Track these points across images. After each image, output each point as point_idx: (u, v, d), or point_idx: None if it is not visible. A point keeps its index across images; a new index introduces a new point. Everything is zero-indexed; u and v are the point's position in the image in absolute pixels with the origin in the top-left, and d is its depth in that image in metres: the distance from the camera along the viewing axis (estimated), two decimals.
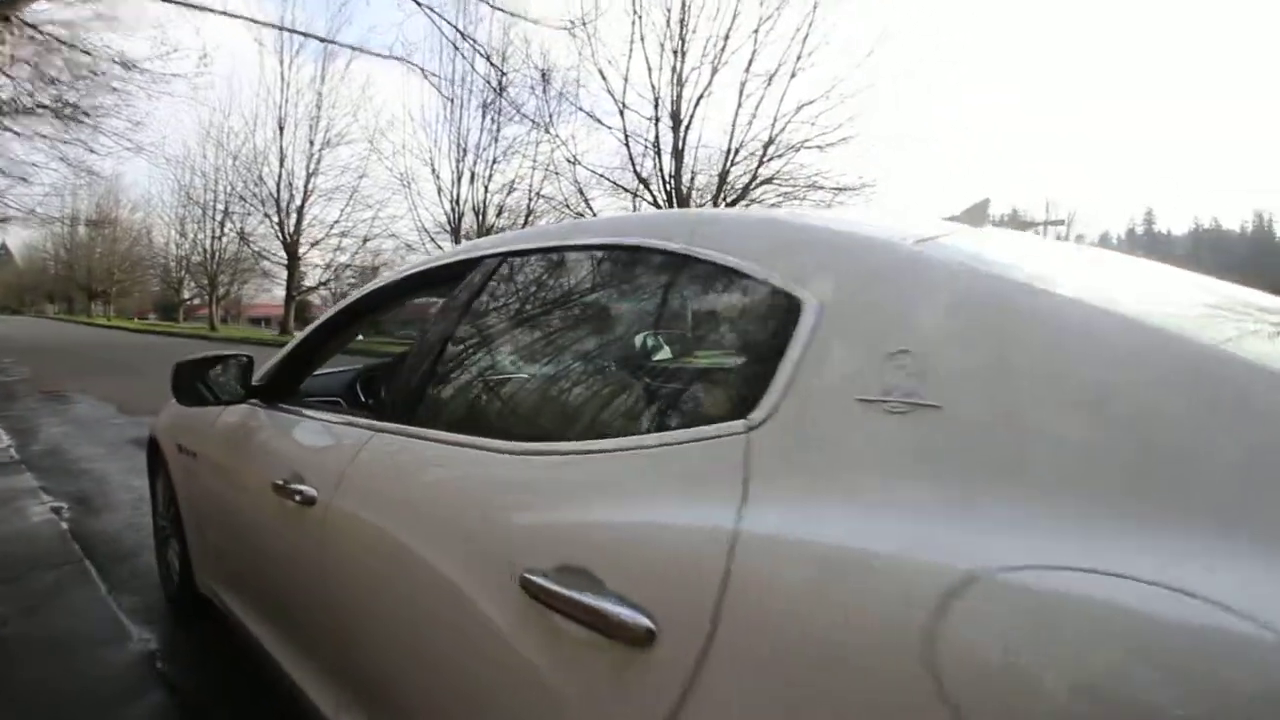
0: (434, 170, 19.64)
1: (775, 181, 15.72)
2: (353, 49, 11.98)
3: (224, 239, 29.32)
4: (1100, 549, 0.46)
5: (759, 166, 15.54)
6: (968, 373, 0.58)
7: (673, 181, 15.83)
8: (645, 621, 0.64)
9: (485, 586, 0.83)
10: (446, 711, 0.94)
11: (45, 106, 12.73)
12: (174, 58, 11.91)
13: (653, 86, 15.69)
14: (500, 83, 13.66)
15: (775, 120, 14.97)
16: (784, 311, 0.73)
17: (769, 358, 0.71)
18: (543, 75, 16.31)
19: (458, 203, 19.44)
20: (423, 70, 8.88)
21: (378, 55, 8.87)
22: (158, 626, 2.15)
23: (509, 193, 19.09)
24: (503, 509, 0.86)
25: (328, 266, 26.38)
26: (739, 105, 15.27)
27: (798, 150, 15.22)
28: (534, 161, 18.22)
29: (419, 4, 7.13)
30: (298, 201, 24.40)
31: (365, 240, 24.68)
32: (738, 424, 0.69)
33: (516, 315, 1.21)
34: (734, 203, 15.42)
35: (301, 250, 25.01)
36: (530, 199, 18.65)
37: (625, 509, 0.72)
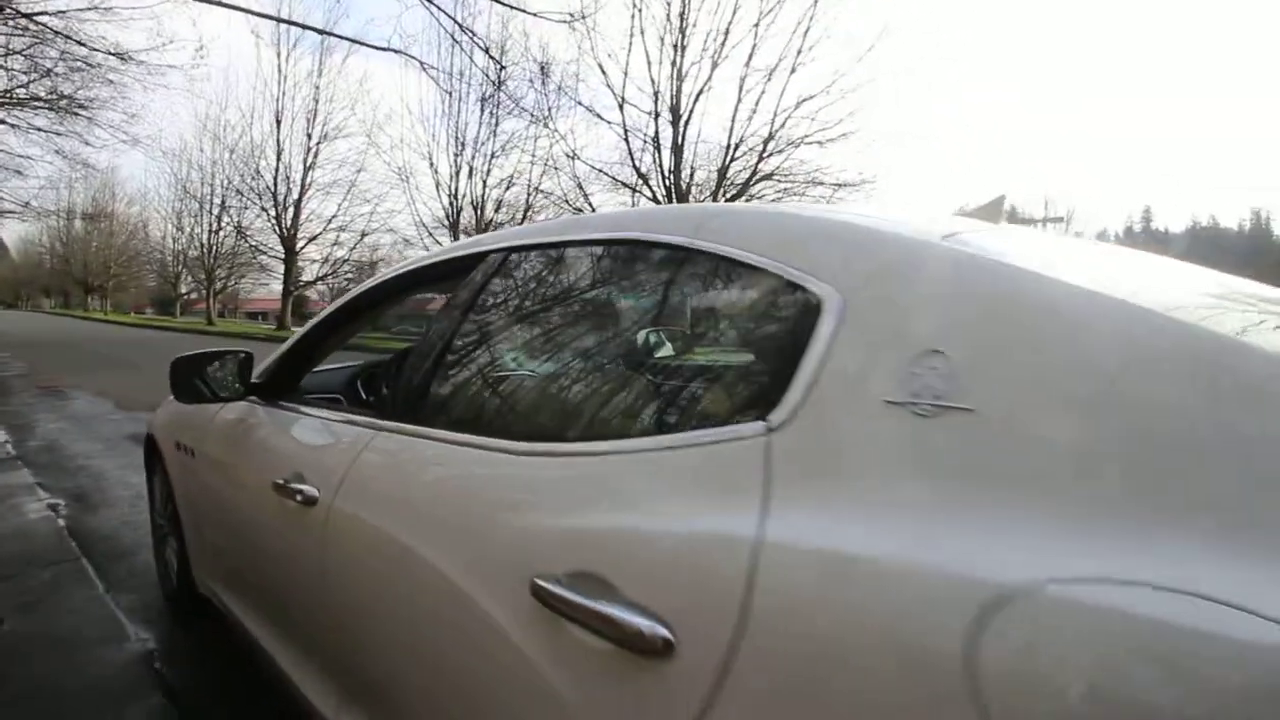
0: (432, 164, 19.56)
1: (775, 177, 15.67)
2: (351, 41, 11.85)
3: (221, 233, 29.15)
4: (1152, 563, 0.44)
5: (759, 162, 15.49)
6: (1002, 375, 0.56)
7: (672, 177, 15.77)
8: (662, 631, 0.62)
9: (493, 591, 0.81)
10: (449, 716, 0.92)
11: (40, 99, 12.66)
12: (170, 49, 11.87)
13: (652, 81, 15.63)
14: (499, 76, 13.58)
15: (775, 115, 14.92)
16: (803, 309, 0.70)
17: (788, 357, 0.69)
18: (542, 69, 16.24)
19: (456, 197, 19.36)
20: (421, 63, 8.80)
21: (376, 48, 8.78)
22: (156, 626, 2.13)
23: (508, 187, 19.03)
24: (511, 511, 0.84)
25: (325, 261, 26.30)
26: (739, 100, 15.23)
27: (798, 146, 15.18)
28: (533, 156, 18.15)
29: None
30: (295, 195, 24.28)
31: (363, 235, 24.60)
32: (757, 426, 0.66)
33: (523, 311, 1.19)
34: (733, 198, 15.37)
35: (299, 245, 24.88)
36: (529, 194, 18.59)
37: (640, 513, 0.70)
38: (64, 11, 10.49)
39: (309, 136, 23.78)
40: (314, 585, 1.21)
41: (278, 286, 27.21)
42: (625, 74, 15.59)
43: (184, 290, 38.59)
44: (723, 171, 15.63)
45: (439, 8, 7.38)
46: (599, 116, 16.33)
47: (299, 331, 1.72)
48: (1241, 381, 0.49)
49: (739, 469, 0.65)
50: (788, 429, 0.64)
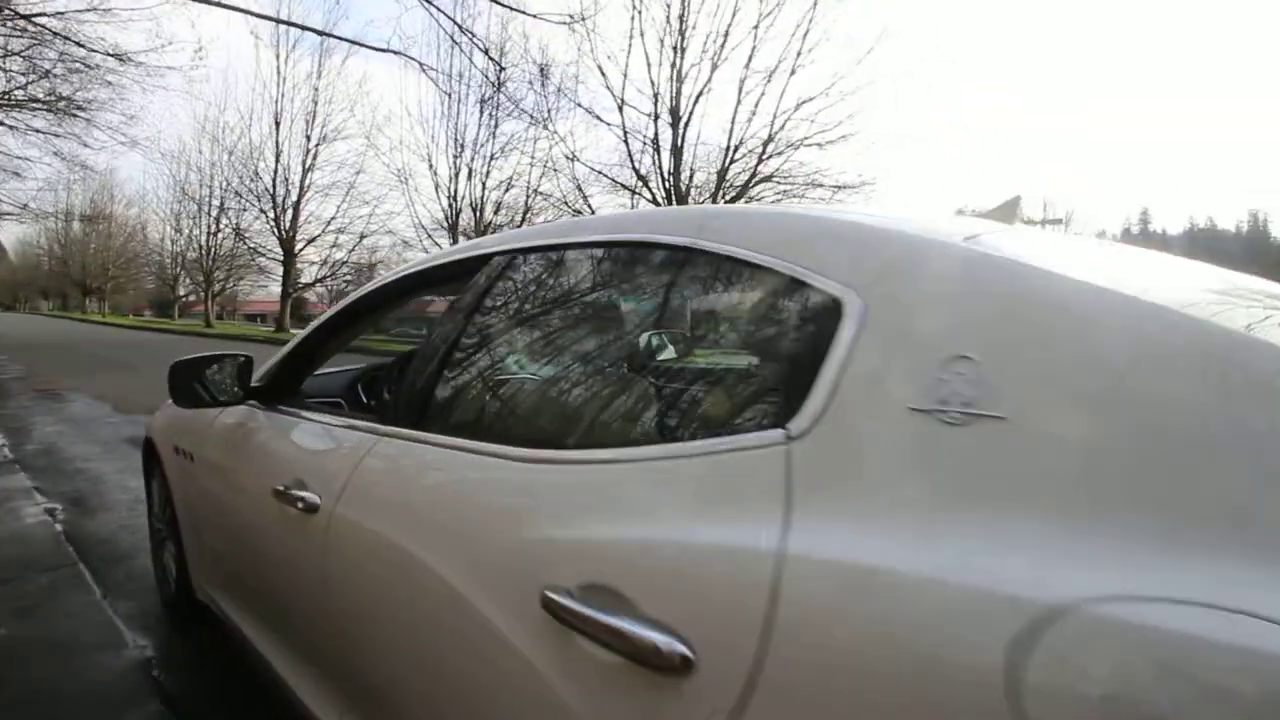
0: (431, 166, 19.53)
1: (774, 179, 15.66)
2: (350, 43, 11.87)
3: (219, 235, 29.06)
4: (1199, 580, 0.42)
5: (758, 164, 15.48)
6: (1035, 383, 0.54)
7: (671, 179, 15.76)
8: (680, 648, 0.60)
9: (501, 601, 0.79)
10: None
11: (38, 100, 12.64)
12: (169, 51, 11.86)
13: (652, 83, 15.62)
14: (499, 77, 13.57)
15: (775, 117, 14.91)
16: (822, 313, 0.68)
17: (806, 362, 0.66)
18: (541, 70, 16.22)
19: (455, 199, 19.33)
20: (421, 64, 8.81)
21: (375, 49, 8.80)
22: (153, 632, 2.11)
23: (507, 189, 19.01)
24: (519, 521, 0.82)
25: (324, 263, 26.26)
26: (738, 102, 15.21)
27: (797, 148, 15.17)
28: (532, 158, 18.12)
29: None
30: (294, 197, 24.25)
31: (362, 237, 24.56)
32: (776, 434, 0.64)
33: (528, 315, 1.16)
34: (733, 200, 15.36)
35: (297, 246, 24.84)
36: (528, 196, 18.56)
37: (654, 524, 0.68)
38: (63, 13, 10.48)
39: (308, 138, 23.78)
40: (315, 593, 1.19)
41: (276, 288, 27.20)
42: (625, 76, 15.60)
43: (182, 292, 38.54)
44: (722, 173, 15.62)
45: (439, 9, 7.38)
46: (598, 118, 16.34)
47: (300, 334, 1.70)
48: None
49: (758, 479, 0.63)
50: (809, 438, 0.62)
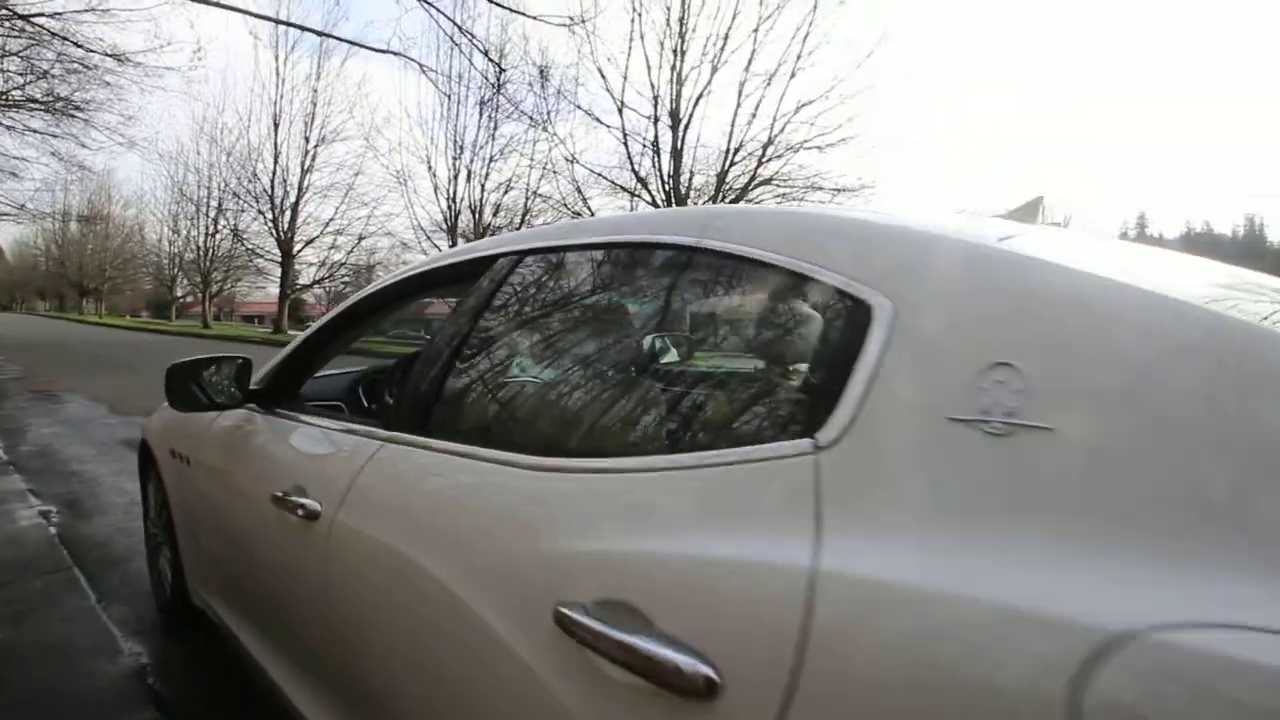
0: (430, 168, 19.50)
1: (774, 182, 15.66)
2: (350, 43, 11.83)
3: (217, 236, 29.01)
4: (1265, 601, 0.39)
5: (758, 167, 15.48)
6: (1084, 391, 0.51)
7: (671, 181, 15.74)
8: (705, 670, 0.56)
9: (512, 617, 0.76)
10: None
11: (36, 101, 12.60)
12: (168, 51, 11.83)
13: (652, 85, 15.62)
14: (498, 79, 13.55)
15: (775, 120, 14.91)
16: (850, 316, 0.65)
17: (833, 369, 0.64)
18: (541, 72, 16.22)
19: (454, 201, 19.30)
20: (420, 65, 8.78)
21: (375, 50, 8.78)
22: (149, 638, 2.07)
23: (506, 191, 18.98)
24: (531, 532, 0.78)
25: (322, 264, 26.22)
26: (738, 105, 15.21)
27: (797, 151, 15.16)
28: (531, 160, 18.10)
29: None
30: (292, 199, 24.22)
31: (360, 238, 24.52)
32: (803, 443, 0.61)
33: (540, 318, 1.13)
34: (733, 203, 15.35)
35: (296, 248, 24.80)
36: (527, 198, 18.53)
37: (674, 537, 0.65)
38: (60, 13, 10.45)
39: (306, 139, 23.77)
40: (315, 601, 1.16)
41: (274, 290, 27.13)
42: (625, 78, 15.60)
43: (180, 293, 38.44)
44: (722, 176, 15.62)
45: (438, 10, 7.36)
46: (598, 120, 16.34)
47: (300, 336, 1.67)
48: None
49: (784, 491, 0.60)
50: (839, 447, 0.59)
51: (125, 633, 2.08)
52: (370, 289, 1.55)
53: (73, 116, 12.99)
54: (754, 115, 15.12)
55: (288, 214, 24.29)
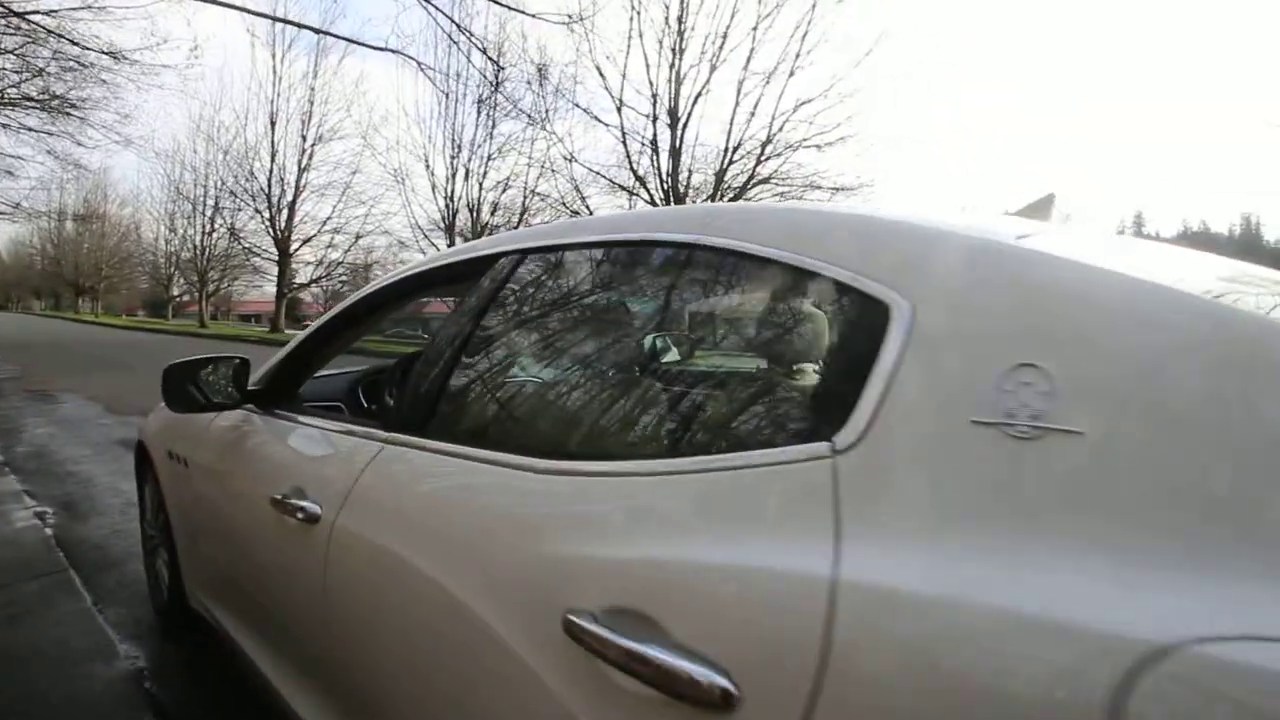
0: (428, 166, 19.45)
1: (773, 181, 15.62)
2: (348, 41, 11.78)
3: (214, 235, 28.94)
4: None
5: (756, 165, 15.44)
6: (1115, 392, 0.49)
7: (670, 180, 15.72)
8: (721, 681, 0.55)
9: (519, 624, 0.74)
10: None
11: (32, 99, 12.55)
12: (164, 49, 11.76)
13: (650, 84, 15.58)
14: (496, 77, 13.52)
15: (773, 119, 14.87)
16: (866, 315, 0.63)
17: (850, 370, 0.62)
18: (539, 70, 16.18)
19: (452, 200, 19.25)
20: (418, 63, 8.75)
21: (373, 47, 8.74)
22: (145, 641, 2.05)
23: (504, 190, 18.93)
24: (539, 537, 0.77)
25: (319, 263, 26.15)
26: (737, 103, 15.17)
27: (795, 149, 15.12)
28: (529, 158, 18.05)
29: None
30: (289, 197, 24.14)
31: (358, 237, 24.45)
32: (820, 446, 0.59)
33: (547, 317, 1.11)
34: (732, 202, 15.30)
35: (293, 247, 24.72)
36: (525, 196, 18.48)
37: (687, 543, 0.63)
38: (56, 10, 10.39)
39: (304, 138, 23.69)
40: (314, 605, 1.14)
41: (271, 289, 27.05)
42: (623, 76, 15.56)
43: (176, 292, 38.37)
44: (720, 175, 15.59)
45: (436, 8, 7.34)
46: (597, 119, 16.29)
47: (299, 336, 1.65)
48: None
49: (801, 496, 0.58)
50: (858, 451, 0.57)
51: (121, 636, 2.06)
52: (369, 288, 1.53)
53: (68, 114, 12.95)
54: (753, 114, 15.11)
55: (285, 212, 24.23)
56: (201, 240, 29.49)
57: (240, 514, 1.46)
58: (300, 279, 27.26)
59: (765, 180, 15.59)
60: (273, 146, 24.01)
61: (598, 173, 16.71)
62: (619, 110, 15.76)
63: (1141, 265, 0.60)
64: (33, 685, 1.77)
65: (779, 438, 0.66)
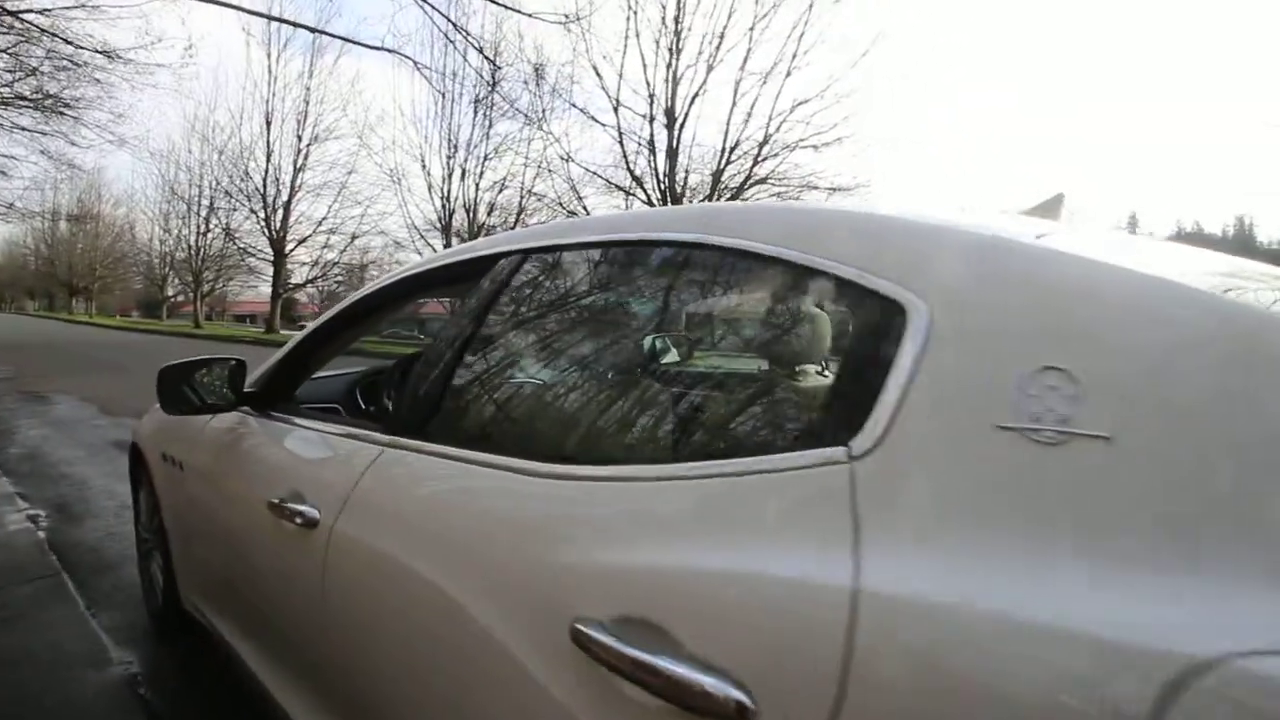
0: (424, 166, 19.44)
1: (769, 181, 15.63)
2: (344, 40, 11.76)
3: (209, 235, 28.83)
4: None
5: (753, 166, 15.45)
6: (1146, 397, 0.47)
7: (666, 180, 15.71)
8: (737, 694, 0.53)
9: (525, 633, 0.72)
10: None
11: (25, 98, 12.48)
12: (159, 48, 11.73)
13: (647, 84, 15.58)
14: (493, 76, 13.49)
15: (770, 119, 14.90)
16: (882, 316, 0.62)
17: (867, 371, 0.60)
18: (536, 70, 16.15)
19: (448, 200, 19.23)
20: (415, 62, 8.71)
21: (369, 46, 8.72)
22: (139, 646, 2.03)
23: (500, 190, 18.92)
24: (546, 543, 0.75)
25: (315, 263, 26.08)
26: (734, 104, 15.19)
27: (792, 150, 15.14)
28: (526, 158, 18.04)
29: None
30: (284, 197, 24.09)
31: (354, 237, 24.42)
32: (836, 451, 0.58)
33: (554, 318, 1.09)
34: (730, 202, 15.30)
35: (288, 247, 24.65)
36: (522, 196, 18.47)
37: (699, 550, 0.61)
38: (50, 9, 10.33)
39: (299, 138, 23.65)
40: (312, 610, 1.12)
41: (266, 289, 26.97)
42: (620, 77, 15.56)
43: (171, 293, 38.22)
44: (717, 175, 15.59)
45: (433, 7, 7.31)
46: (593, 119, 16.29)
47: (296, 337, 1.62)
48: None
49: (818, 502, 0.56)
50: (875, 456, 0.55)
51: (115, 640, 2.04)
52: (367, 289, 1.51)
53: (62, 114, 12.88)
54: (749, 114, 15.13)
55: (280, 213, 24.17)
56: (196, 240, 29.42)
57: (236, 518, 1.44)
58: (296, 279, 27.22)
59: (762, 181, 15.61)
60: (268, 146, 23.99)
61: (594, 173, 16.73)
62: (616, 110, 15.78)
63: (1165, 264, 0.59)
64: (25, 690, 1.75)
65: (791, 442, 0.64)
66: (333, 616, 1.07)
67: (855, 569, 0.51)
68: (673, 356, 0.91)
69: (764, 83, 14.79)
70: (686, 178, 16.00)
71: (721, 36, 14.94)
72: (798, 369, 0.78)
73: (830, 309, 0.70)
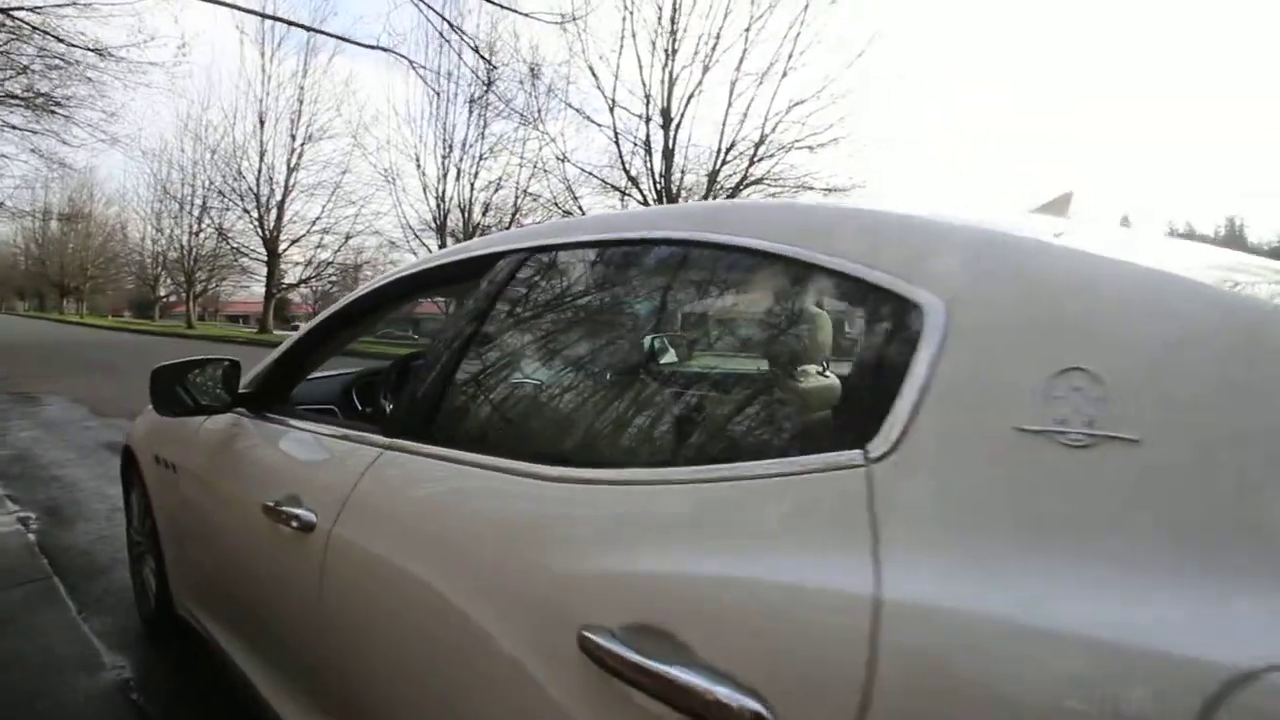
0: (419, 166, 19.35)
1: (765, 182, 15.63)
2: (338, 39, 11.71)
3: (202, 235, 28.63)
4: None
5: (749, 166, 15.45)
6: (1175, 398, 0.46)
7: (662, 180, 15.70)
8: (753, 705, 0.51)
9: (532, 641, 0.70)
10: None
11: (15, 96, 12.38)
12: (151, 46, 11.66)
13: (643, 84, 15.56)
14: (489, 76, 13.46)
15: (766, 120, 14.89)
16: (899, 317, 0.60)
17: (884, 373, 0.59)
18: (532, 70, 16.13)
19: (443, 200, 19.15)
20: (410, 61, 8.69)
21: (364, 45, 8.68)
22: (132, 651, 2.00)
23: (495, 190, 18.86)
24: (552, 549, 0.73)
25: (309, 263, 25.98)
26: (730, 104, 15.17)
27: (788, 150, 15.14)
28: (521, 159, 17.99)
29: None
30: (278, 197, 23.96)
31: (348, 237, 24.31)
32: (853, 454, 0.56)
33: (558, 318, 1.07)
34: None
35: (282, 247, 24.54)
36: (517, 196, 18.42)
37: (711, 556, 0.60)
38: (41, 7, 10.26)
39: (293, 137, 23.54)
40: (308, 614, 1.10)
41: (259, 289, 26.88)
42: (616, 77, 15.54)
43: (163, 293, 38.00)
44: (714, 175, 15.59)
45: (429, 6, 7.28)
46: (589, 119, 16.26)
47: (291, 337, 1.60)
48: None
49: (835, 506, 0.55)
50: (893, 460, 0.54)
51: (107, 644, 2.01)
52: (363, 289, 1.49)
53: (53, 113, 12.80)
54: (745, 115, 15.12)
55: (273, 212, 24.06)
56: (189, 240, 29.22)
57: (230, 521, 1.42)
58: (289, 279, 27.08)
59: (758, 181, 15.61)
60: (261, 145, 23.86)
61: (590, 173, 16.69)
62: (612, 110, 15.75)
63: (1185, 262, 0.57)
64: (16, 694, 1.72)
65: (807, 445, 0.62)
66: (330, 621, 1.05)
67: (876, 574, 0.49)
68: (678, 358, 0.89)
69: (760, 83, 14.81)
70: (682, 178, 16.00)
71: (717, 37, 14.96)
72: (812, 370, 0.77)
73: (844, 309, 0.69)
